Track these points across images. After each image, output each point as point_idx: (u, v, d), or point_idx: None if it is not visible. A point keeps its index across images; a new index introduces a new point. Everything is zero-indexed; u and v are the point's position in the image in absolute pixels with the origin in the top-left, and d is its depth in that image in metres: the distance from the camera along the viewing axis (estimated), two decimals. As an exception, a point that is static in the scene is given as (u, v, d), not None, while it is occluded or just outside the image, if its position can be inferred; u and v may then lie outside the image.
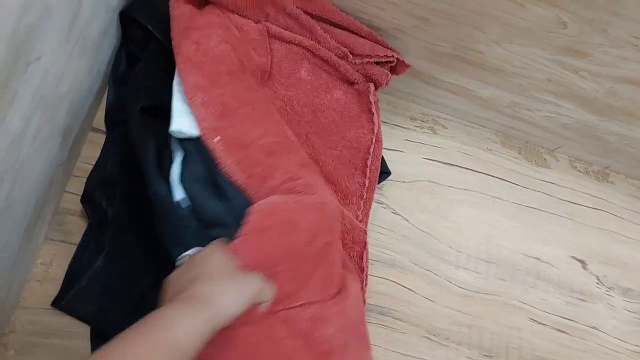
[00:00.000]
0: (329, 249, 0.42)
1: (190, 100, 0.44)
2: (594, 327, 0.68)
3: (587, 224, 0.73)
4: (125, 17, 0.52)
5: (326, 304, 0.40)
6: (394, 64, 0.57)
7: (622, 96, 0.59)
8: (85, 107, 0.51)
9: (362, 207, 0.50)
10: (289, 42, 0.52)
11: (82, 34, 0.45)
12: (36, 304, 0.47)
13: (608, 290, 0.70)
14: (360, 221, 0.50)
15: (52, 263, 0.49)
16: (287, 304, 0.39)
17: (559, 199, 0.73)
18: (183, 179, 0.43)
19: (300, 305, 0.39)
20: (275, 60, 0.51)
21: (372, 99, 0.54)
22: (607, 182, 0.76)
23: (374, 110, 0.53)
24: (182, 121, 0.44)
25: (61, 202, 0.52)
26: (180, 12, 0.47)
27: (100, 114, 0.55)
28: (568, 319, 0.67)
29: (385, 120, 0.68)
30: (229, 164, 0.43)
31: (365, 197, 0.50)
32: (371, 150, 0.51)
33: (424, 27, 0.55)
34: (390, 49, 0.56)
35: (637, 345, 0.68)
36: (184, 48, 0.45)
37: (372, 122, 0.53)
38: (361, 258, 0.47)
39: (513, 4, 0.49)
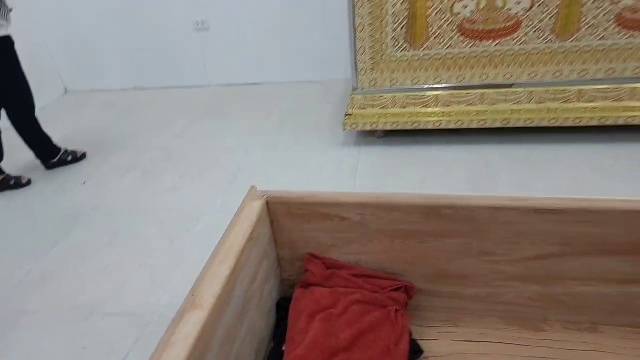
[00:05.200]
0: None
1: None
2: None
3: (589, 364, 1.00)
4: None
5: None
6: (403, 289, 1.10)
7: (537, 268, 1.02)
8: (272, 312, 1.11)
9: None
10: (347, 295, 1.10)
11: (260, 310, 1.09)
12: None
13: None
14: None
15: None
16: None
17: (559, 349, 1.04)
18: None
19: None
20: (340, 305, 1.08)
21: (393, 315, 1.05)
22: (598, 332, 1.06)
23: (395, 323, 1.03)
24: None
25: None
26: (296, 295, 1.11)
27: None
28: None
29: (422, 325, 1.14)
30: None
31: None
32: (393, 338, 0.99)
33: (414, 265, 1.10)
34: (400, 281, 1.11)
35: None
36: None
37: (395, 328, 1.02)
38: None
39: (438, 252, 1.04)
